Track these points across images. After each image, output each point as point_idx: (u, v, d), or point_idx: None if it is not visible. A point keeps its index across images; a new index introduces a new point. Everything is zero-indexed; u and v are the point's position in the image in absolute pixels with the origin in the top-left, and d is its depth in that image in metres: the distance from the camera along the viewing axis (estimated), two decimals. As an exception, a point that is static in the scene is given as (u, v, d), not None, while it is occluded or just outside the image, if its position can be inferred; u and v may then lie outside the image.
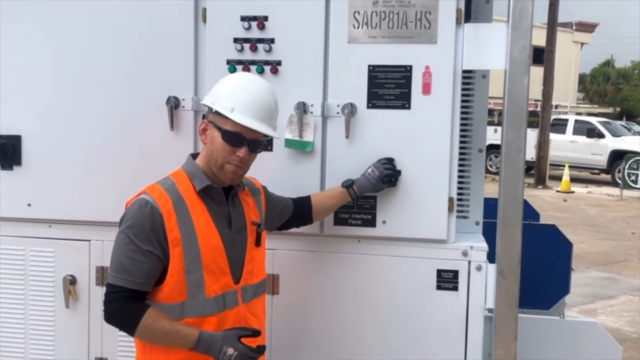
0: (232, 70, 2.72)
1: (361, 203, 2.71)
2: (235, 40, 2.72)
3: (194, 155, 2.26)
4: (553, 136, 18.99)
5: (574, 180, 17.95)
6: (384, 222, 2.70)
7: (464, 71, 2.68)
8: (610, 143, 19.13)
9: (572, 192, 16.78)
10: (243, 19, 2.70)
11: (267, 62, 2.71)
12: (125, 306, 2.05)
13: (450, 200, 2.67)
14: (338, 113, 2.68)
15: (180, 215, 2.09)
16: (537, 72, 17.84)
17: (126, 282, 2.05)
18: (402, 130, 2.65)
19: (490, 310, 2.69)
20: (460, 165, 2.82)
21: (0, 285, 3.01)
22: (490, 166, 18.35)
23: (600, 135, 19.42)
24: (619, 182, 16.70)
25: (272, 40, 2.69)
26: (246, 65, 2.72)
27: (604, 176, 19.34)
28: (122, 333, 2.15)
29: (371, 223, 2.71)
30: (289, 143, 2.70)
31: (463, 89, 2.75)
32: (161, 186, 2.13)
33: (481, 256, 2.69)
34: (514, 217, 2.55)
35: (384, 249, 2.73)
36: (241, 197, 2.31)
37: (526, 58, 2.52)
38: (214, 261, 2.14)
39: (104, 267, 2.86)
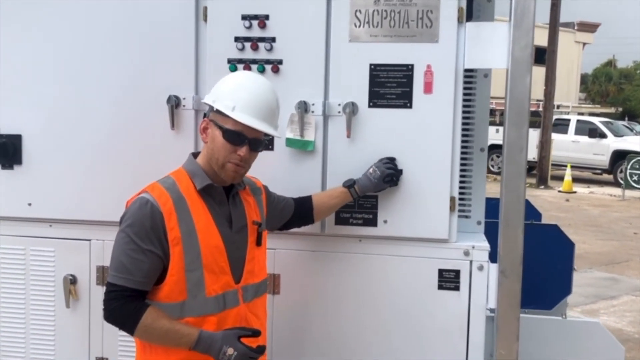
0: (233, 69, 2.71)
1: (362, 202, 2.70)
2: (236, 39, 2.71)
3: (195, 154, 2.26)
4: (555, 136, 18.98)
5: (576, 180, 17.93)
6: (385, 221, 2.69)
7: (466, 70, 2.68)
8: (612, 143, 19.10)
9: (574, 192, 16.75)
10: (244, 17, 2.70)
11: (268, 61, 2.70)
12: (125, 305, 2.05)
13: (452, 199, 2.66)
14: (339, 112, 2.67)
15: (181, 214, 2.09)
16: (539, 72, 17.82)
17: (126, 281, 2.05)
18: (404, 129, 2.64)
19: (492, 310, 2.68)
20: (461, 164, 2.82)
21: (0, 285, 3.00)
22: (492, 166, 18.36)
23: (602, 136, 19.39)
24: (621, 182, 16.69)
25: (273, 39, 2.69)
26: (247, 64, 2.71)
27: (606, 176, 19.32)
28: (123, 333, 2.14)
29: (372, 222, 2.70)
30: (290, 142, 2.70)
31: (465, 88, 2.74)
32: (162, 185, 2.13)
33: (483, 256, 2.68)
34: (516, 217, 2.55)
35: (385, 249, 2.72)
36: (242, 196, 2.30)
37: (528, 57, 2.51)
38: (214, 260, 2.13)
39: (105, 267, 2.85)
